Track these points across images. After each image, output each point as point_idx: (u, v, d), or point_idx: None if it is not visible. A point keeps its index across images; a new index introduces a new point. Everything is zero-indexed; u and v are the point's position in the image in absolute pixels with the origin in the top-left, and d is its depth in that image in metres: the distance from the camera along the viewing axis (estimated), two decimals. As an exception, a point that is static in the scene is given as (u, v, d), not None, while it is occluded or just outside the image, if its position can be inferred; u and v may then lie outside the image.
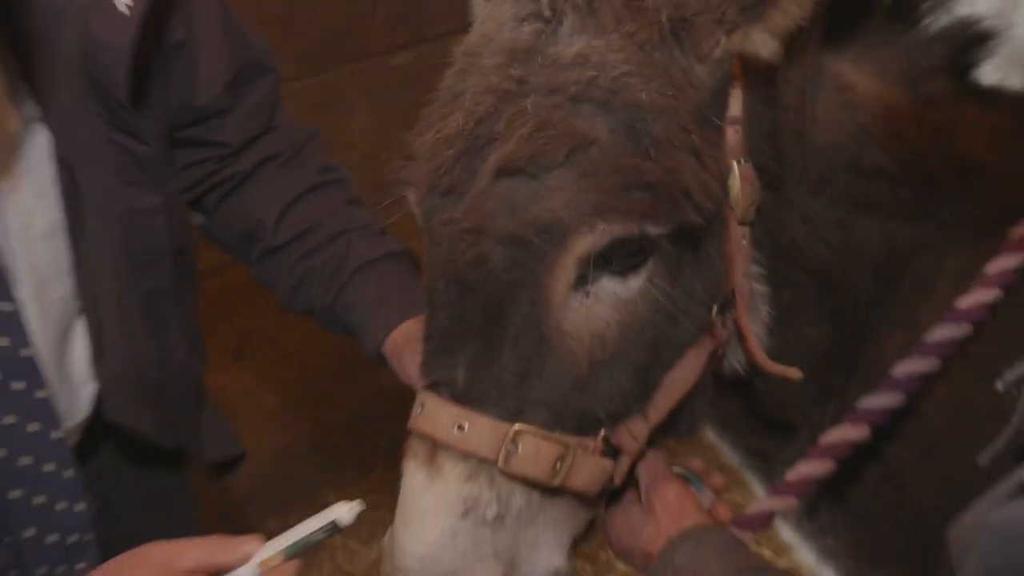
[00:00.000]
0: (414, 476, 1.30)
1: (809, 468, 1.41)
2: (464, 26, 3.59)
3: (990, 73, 1.47)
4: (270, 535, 3.57)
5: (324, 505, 3.86)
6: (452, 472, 1.28)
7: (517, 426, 1.26)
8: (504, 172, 1.24)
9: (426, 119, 1.35)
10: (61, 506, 1.56)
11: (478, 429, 1.26)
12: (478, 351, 1.27)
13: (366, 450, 3.50)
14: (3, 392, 1.47)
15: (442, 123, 1.30)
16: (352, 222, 1.81)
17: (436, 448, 1.29)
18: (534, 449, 1.26)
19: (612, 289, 1.27)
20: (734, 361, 1.43)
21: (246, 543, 1.38)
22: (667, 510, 1.32)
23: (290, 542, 1.39)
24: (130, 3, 1.50)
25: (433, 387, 1.31)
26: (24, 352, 1.47)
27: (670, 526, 1.30)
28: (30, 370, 1.48)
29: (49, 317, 1.54)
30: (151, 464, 1.84)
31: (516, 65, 1.27)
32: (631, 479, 1.39)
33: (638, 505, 1.38)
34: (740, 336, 1.38)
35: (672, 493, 1.34)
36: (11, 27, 1.42)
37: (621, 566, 3.34)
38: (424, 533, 1.28)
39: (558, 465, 1.27)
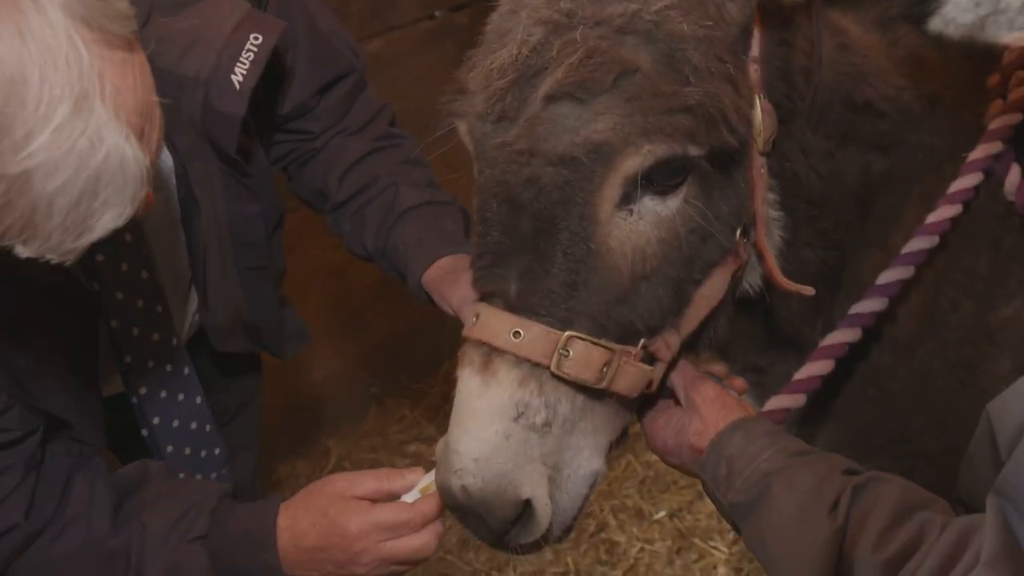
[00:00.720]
0: (469, 381, 1.26)
1: (814, 368, 1.43)
2: (427, 16, 3.63)
3: (935, 23, 1.52)
4: (279, 481, 3.44)
5: (324, 452, 3.77)
6: (507, 377, 1.24)
7: (569, 332, 1.23)
8: (554, 97, 1.21)
9: (473, 57, 1.31)
10: (193, 425, 1.83)
11: (533, 335, 1.23)
12: (529, 265, 1.24)
13: (358, 399, 3.46)
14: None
15: (492, 57, 1.26)
16: (402, 176, 1.84)
17: (492, 354, 1.25)
18: (584, 353, 1.24)
19: (653, 208, 1.26)
20: (747, 283, 1.43)
21: (410, 473, 1.45)
22: (710, 405, 1.30)
23: None
24: (240, 80, 1.58)
25: (487, 298, 1.27)
26: (175, 342, 1.77)
27: (717, 420, 1.28)
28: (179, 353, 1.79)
29: (172, 282, 1.79)
30: (235, 371, 2.01)
31: (565, 0, 1.23)
32: (663, 388, 1.37)
33: (676, 407, 1.36)
34: (759, 257, 1.38)
35: (712, 390, 1.32)
36: None
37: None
38: (480, 434, 1.24)
39: (605, 369, 1.25)
